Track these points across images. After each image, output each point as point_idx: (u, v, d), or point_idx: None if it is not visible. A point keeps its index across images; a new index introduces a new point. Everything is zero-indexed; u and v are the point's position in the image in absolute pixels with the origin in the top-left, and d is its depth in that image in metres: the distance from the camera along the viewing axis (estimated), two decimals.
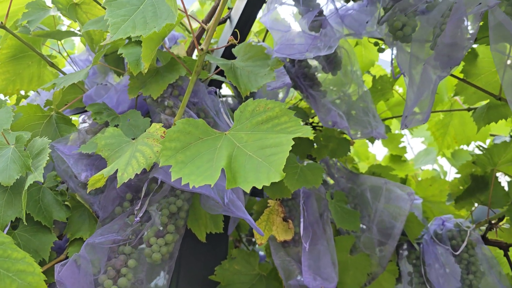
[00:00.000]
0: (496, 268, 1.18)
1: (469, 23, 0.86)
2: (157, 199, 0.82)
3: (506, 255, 1.21)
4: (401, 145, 1.77)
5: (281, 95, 1.25)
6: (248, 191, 0.56)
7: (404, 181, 1.58)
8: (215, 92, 0.97)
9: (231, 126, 0.67)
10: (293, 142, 0.59)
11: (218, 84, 1.16)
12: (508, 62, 0.87)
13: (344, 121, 1.02)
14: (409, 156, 2.20)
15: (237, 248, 1.65)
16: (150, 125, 0.80)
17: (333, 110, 1.02)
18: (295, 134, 0.61)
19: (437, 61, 0.82)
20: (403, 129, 0.88)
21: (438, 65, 0.83)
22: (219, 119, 0.92)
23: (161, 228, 0.81)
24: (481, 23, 0.98)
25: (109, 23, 0.55)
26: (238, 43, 1.06)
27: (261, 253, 1.76)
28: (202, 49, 0.74)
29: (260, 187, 0.55)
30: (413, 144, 2.59)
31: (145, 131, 0.79)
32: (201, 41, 1.17)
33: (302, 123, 0.64)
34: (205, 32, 0.78)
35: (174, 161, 0.62)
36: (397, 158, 1.76)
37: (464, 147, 1.68)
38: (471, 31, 0.96)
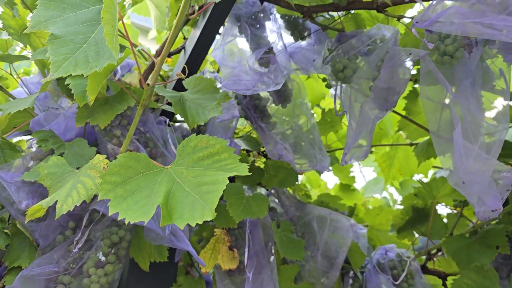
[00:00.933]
0: None
1: (410, 66, 0.92)
2: (99, 228, 0.82)
3: (444, 284, 1.27)
4: (351, 175, 1.83)
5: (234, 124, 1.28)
6: (182, 228, 0.58)
7: (353, 209, 1.62)
8: (165, 122, 0.98)
9: None
10: (227, 181, 0.61)
11: (172, 112, 1.18)
12: (446, 101, 0.93)
13: (290, 154, 1.06)
14: (361, 184, 2.26)
15: (188, 273, 1.64)
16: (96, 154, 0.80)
17: (279, 143, 1.06)
18: (232, 172, 0.64)
19: (375, 103, 0.87)
20: (343, 165, 0.92)
21: (375, 106, 0.88)
22: (166, 149, 0.93)
23: (101, 258, 0.80)
24: (418, 67, 1.04)
25: (50, 60, 0.56)
26: (190, 73, 1.09)
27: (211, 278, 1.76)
28: (148, 84, 0.76)
29: (193, 225, 0.57)
30: (366, 172, 2.66)
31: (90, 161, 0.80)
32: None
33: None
34: (155, 65, 0.80)
35: (113, 195, 0.64)
36: (346, 187, 1.82)
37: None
38: (412, 72, 1.02)
